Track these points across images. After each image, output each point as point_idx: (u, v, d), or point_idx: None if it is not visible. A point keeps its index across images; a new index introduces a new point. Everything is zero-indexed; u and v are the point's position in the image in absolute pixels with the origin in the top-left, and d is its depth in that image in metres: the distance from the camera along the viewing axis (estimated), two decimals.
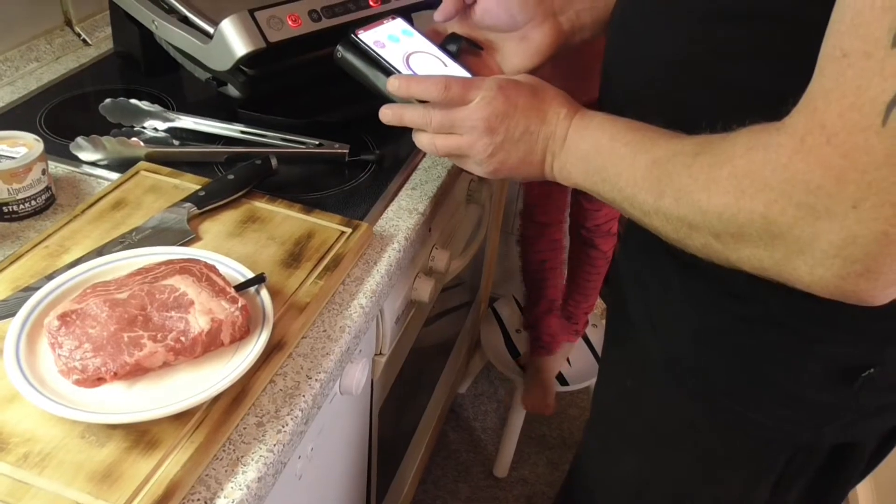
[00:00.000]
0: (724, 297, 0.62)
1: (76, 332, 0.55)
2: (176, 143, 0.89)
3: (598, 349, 1.67)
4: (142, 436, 0.52)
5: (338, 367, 0.65)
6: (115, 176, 0.81)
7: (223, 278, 0.61)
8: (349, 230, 0.74)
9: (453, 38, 0.75)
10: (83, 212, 0.73)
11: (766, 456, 0.67)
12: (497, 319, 1.76)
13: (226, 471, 0.53)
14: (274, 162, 0.81)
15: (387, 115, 0.69)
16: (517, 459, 1.70)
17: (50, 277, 0.64)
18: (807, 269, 0.46)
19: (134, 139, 0.86)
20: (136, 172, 0.80)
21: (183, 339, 0.56)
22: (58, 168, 0.82)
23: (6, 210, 0.73)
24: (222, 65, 0.85)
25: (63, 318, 0.56)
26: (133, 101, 0.92)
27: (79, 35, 1.12)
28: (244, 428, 0.56)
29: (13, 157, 0.73)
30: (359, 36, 0.72)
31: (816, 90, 0.44)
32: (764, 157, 0.46)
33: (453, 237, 1.08)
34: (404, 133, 0.70)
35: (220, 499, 0.52)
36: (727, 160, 0.49)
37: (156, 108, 0.92)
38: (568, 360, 1.64)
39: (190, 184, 0.78)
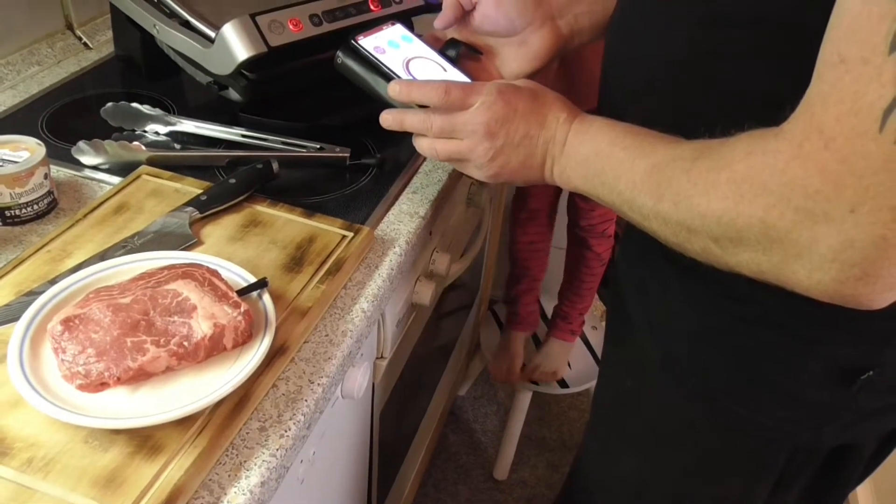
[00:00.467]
0: (722, 299, 0.62)
1: (79, 336, 0.55)
2: (177, 146, 0.89)
3: (599, 351, 1.68)
4: (145, 440, 0.52)
5: (340, 371, 0.65)
6: (116, 180, 0.81)
7: (225, 283, 0.62)
8: (350, 234, 0.75)
9: (452, 43, 0.76)
10: (85, 216, 0.74)
11: (766, 456, 0.68)
12: (497, 322, 1.76)
13: (229, 475, 0.53)
14: (275, 166, 0.82)
15: (387, 120, 0.70)
16: (517, 462, 1.70)
17: (53, 282, 0.64)
18: (805, 273, 0.46)
19: (135, 143, 0.86)
20: (138, 176, 0.80)
21: (186, 343, 0.56)
22: (60, 172, 0.82)
23: (9, 214, 0.74)
24: (224, 69, 0.86)
25: (66, 322, 0.56)
26: (134, 104, 0.92)
27: (80, 39, 1.12)
28: (247, 432, 0.57)
29: (16, 162, 0.73)
30: (359, 42, 0.72)
31: (814, 95, 0.44)
32: (762, 162, 0.46)
33: (454, 240, 1.08)
34: (405, 136, 0.71)
35: (224, 503, 0.52)
36: (726, 165, 0.49)
37: (157, 111, 0.92)
38: (568, 363, 1.64)
39: (191, 188, 0.79)
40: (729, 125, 0.50)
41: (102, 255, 0.68)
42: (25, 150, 0.75)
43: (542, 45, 0.74)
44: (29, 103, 0.96)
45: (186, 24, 0.89)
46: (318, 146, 0.89)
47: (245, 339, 0.59)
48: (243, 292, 0.63)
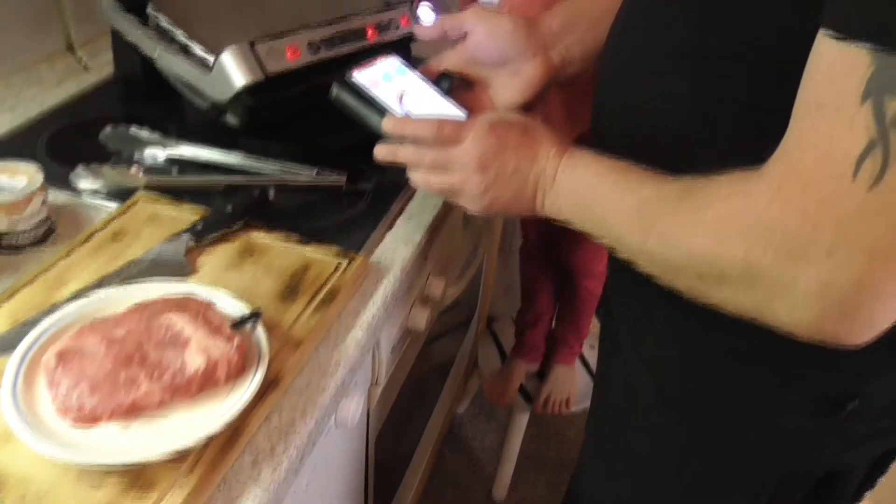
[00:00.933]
0: (709, 331, 0.62)
1: (74, 370, 0.55)
2: (175, 171, 0.89)
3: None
4: (137, 477, 0.52)
5: (333, 402, 0.65)
6: (114, 205, 0.82)
7: (219, 315, 0.62)
8: (345, 263, 0.75)
9: (446, 76, 0.77)
10: (82, 243, 0.74)
11: (756, 481, 0.68)
12: (495, 340, 1.76)
13: None
14: (271, 193, 0.82)
15: (381, 152, 0.70)
16: (516, 481, 1.70)
17: (49, 311, 0.64)
18: (786, 312, 0.47)
19: (133, 168, 0.86)
20: (136, 202, 0.81)
21: (179, 377, 0.56)
22: (58, 197, 0.83)
23: (6, 241, 0.74)
24: (222, 95, 0.86)
25: (60, 355, 0.56)
26: (133, 129, 0.93)
27: (80, 60, 1.13)
28: (239, 467, 0.57)
29: (13, 188, 0.73)
30: (353, 76, 0.73)
31: (793, 138, 0.45)
32: (744, 204, 0.47)
33: (450, 263, 1.08)
34: None
35: None
36: (709, 205, 0.50)
37: (155, 136, 0.92)
38: None
39: (188, 214, 0.79)
40: (722, 158, 0.51)
41: (99, 285, 0.68)
42: (24, 175, 0.75)
43: (535, 74, 0.75)
44: (29, 125, 0.97)
45: (186, 51, 0.89)
46: (315, 170, 0.89)
47: (238, 372, 0.59)
48: (237, 325, 0.63)
